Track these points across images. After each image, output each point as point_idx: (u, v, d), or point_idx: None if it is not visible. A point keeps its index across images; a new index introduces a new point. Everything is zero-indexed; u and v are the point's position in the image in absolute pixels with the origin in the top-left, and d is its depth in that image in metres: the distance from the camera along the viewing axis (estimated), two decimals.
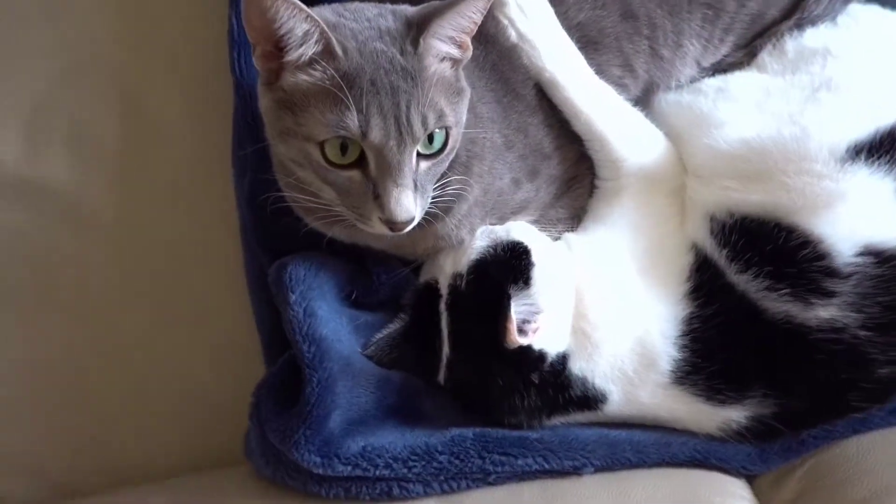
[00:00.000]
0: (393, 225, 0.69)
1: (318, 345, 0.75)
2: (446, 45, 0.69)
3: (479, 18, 0.69)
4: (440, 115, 0.68)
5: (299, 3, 0.64)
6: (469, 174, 0.77)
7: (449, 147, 0.71)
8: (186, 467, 0.95)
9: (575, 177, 0.86)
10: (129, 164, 0.99)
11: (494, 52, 0.80)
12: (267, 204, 0.82)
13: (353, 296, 0.84)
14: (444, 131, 0.70)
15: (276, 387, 0.79)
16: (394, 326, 0.81)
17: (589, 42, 0.82)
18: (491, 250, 0.79)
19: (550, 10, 0.79)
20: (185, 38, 0.99)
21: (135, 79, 0.99)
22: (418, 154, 0.69)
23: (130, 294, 0.98)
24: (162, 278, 0.99)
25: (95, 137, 0.99)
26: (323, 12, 0.69)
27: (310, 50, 0.66)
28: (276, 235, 0.88)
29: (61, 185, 0.98)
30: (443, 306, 0.79)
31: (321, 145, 0.67)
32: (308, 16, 0.64)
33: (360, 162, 0.68)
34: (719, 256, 0.77)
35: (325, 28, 0.65)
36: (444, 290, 0.80)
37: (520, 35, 0.79)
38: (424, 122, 0.67)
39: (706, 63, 0.88)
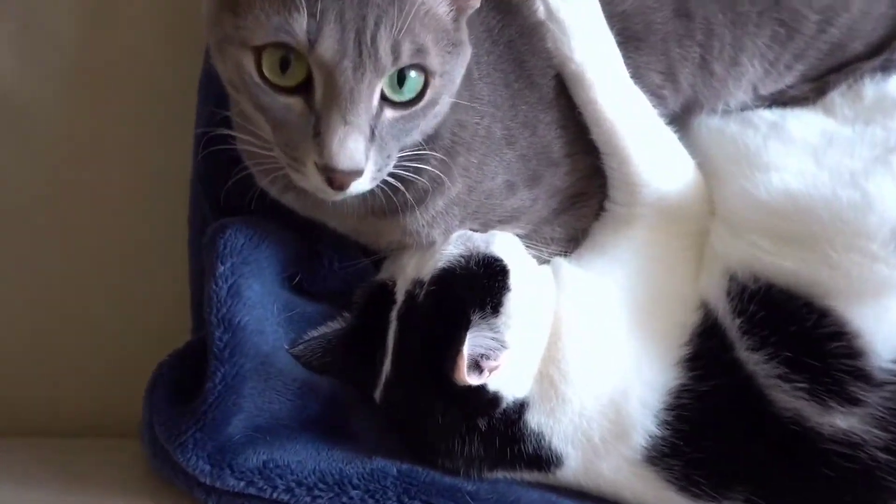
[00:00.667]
0: (332, 174, 0.54)
1: (233, 332, 0.62)
2: None
3: None
4: (419, 50, 0.54)
5: None
6: (453, 164, 0.64)
7: (426, 99, 0.56)
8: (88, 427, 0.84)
9: (582, 193, 0.72)
10: (80, 65, 0.86)
11: (514, 26, 0.66)
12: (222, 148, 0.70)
13: (297, 279, 0.71)
14: (422, 75, 0.55)
15: (177, 370, 0.67)
16: (333, 326, 0.69)
17: (631, 37, 0.68)
18: (462, 261, 0.66)
19: None
20: None
21: None
22: (384, 97, 0.54)
23: (64, 221, 0.87)
24: (106, 208, 0.87)
25: (45, 32, 0.86)
26: None
27: None
28: (225, 189, 0.75)
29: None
30: (394, 314, 0.67)
31: (258, 54, 0.53)
32: None
33: (305, 88, 0.54)
34: (731, 325, 0.64)
35: None
36: (399, 296, 0.67)
37: (550, 11, 0.65)
38: (396, 50, 0.53)
39: (764, 90, 0.74)
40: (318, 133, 0.53)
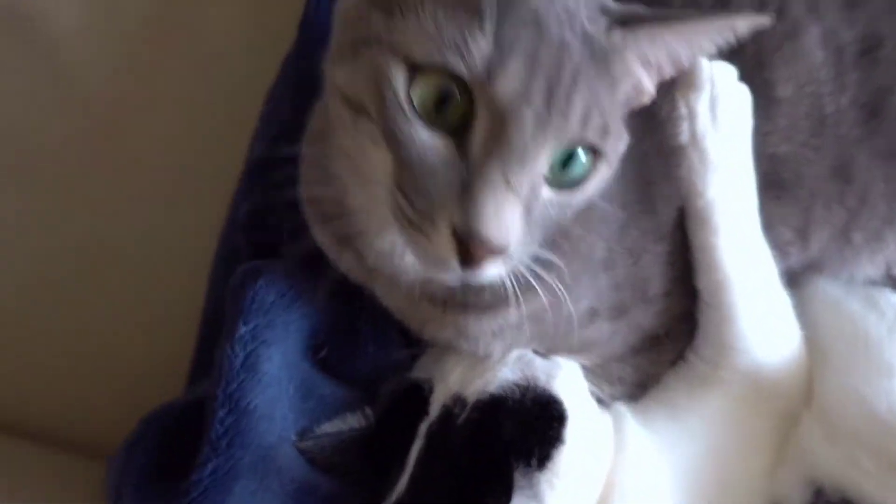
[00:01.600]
0: (472, 244, 0.42)
1: (238, 416, 0.53)
2: (640, 64, 0.46)
3: (697, 54, 0.47)
4: (604, 129, 0.44)
5: None
6: (540, 277, 0.54)
7: (589, 187, 0.47)
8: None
9: (665, 336, 0.63)
10: (150, 47, 0.78)
11: (651, 142, 0.56)
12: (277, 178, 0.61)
13: (323, 352, 0.62)
14: (591, 159, 0.45)
15: (163, 432, 0.58)
16: (351, 421, 0.59)
17: (774, 184, 0.58)
18: (517, 392, 0.56)
19: (749, 124, 0.56)
20: None
21: None
22: (545, 177, 0.45)
23: (87, 185, 0.78)
24: (135, 188, 0.78)
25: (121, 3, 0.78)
26: None
27: None
28: (268, 224, 0.66)
29: (58, 37, 0.77)
30: (424, 428, 0.57)
31: (412, 71, 0.42)
32: None
33: (459, 131, 0.43)
34: None
35: None
36: (434, 408, 0.58)
37: (694, 137, 0.55)
38: (587, 118, 0.43)
39: None
40: (467, 187, 0.42)
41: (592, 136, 0.44)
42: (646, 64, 0.47)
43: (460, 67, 0.41)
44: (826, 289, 0.64)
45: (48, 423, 0.75)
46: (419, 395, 0.60)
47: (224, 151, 0.74)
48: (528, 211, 0.45)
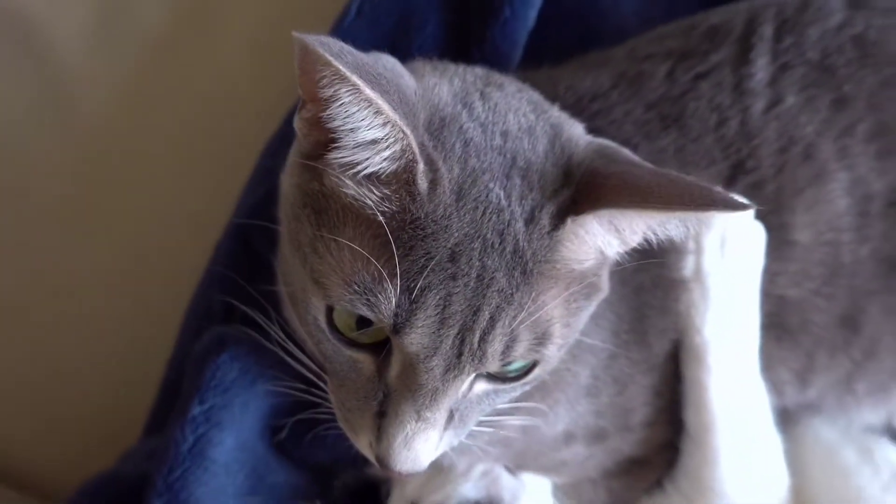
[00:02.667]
0: (386, 469, 0.44)
1: None
2: (609, 233, 0.42)
3: (671, 234, 0.42)
4: (540, 342, 0.42)
5: (383, 87, 0.38)
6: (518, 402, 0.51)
7: (529, 378, 0.45)
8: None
9: (644, 462, 0.59)
10: (151, 75, 0.75)
11: (651, 271, 0.53)
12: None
13: (281, 436, 0.59)
14: (531, 361, 0.44)
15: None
16: None
17: (778, 326, 0.55)
18: None
19: (761, 265, 0.52)
20: None
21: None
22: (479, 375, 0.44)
23: (69, 207, 0.75)
24: (117, 217, 0.75)
25: (131, 21, 0.75)
26: (440, 87, 0.44)
27: (375, 163, 0.40)
28: (239, 288, 0.63)
29: (59, 47, 0.74)
30: None
31: (329, 310, 0.42)
32: (389, 120, 0.38)
33: (380, 347, 0.42)
34: None
35: (419, 146, 0.39)
36: None
37: (698, 273, 0.52)
38: (508, 349, 0.42)
39: None
40: (382, 413, 0.43)
41: (524, 353, 0.42)
42: (614, 231, 0.42)
43: (368, 314, 0.40)
44: (821, 433, 0.61)
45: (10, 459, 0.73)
46: (375, 496, 0.57)
47: (214, 182, 0.72)
48: (455, 417, 0.45)
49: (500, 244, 0.40)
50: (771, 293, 0.54)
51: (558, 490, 0.59)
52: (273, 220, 0.55)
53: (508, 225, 0.41)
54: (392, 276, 0.39)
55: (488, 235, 0.40)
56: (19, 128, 0.76)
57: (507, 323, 0.40)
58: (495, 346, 0.41)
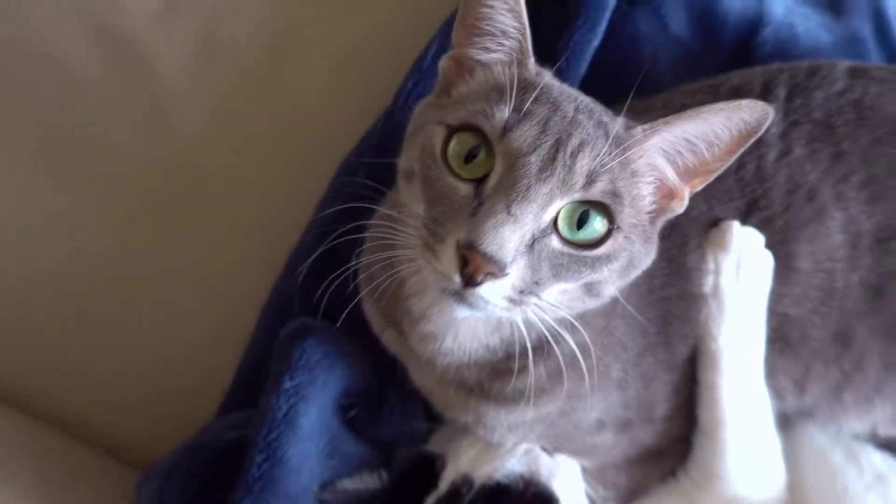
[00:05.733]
0: (472, 255, 0.48)
1: (273, 464, 0.60)
2: (662, 156, 0.53)
3: (720, 145, 0.52)
4: (614, 194, 0.51)
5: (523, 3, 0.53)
6: (560, 383, 0.60)
7: (600, 251, 0.52)
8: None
9: (661, 453, 0.69)
10: (240, 98, 0.85)
11: (676, 285, 0.63)
12: (337, 247, 0.68)
13: (352, 413, 0.69)
14: (605, 227, 0.51)
15: (205, 461, 0.64)
16: (368, 482, 0.66)
17: (781, 339, 0.65)
18: (520, 484, 0.62)
19: (767, 287, 0.62)
20: (401, 21, 0.84)
21: (306, 18, 0.86)
22: (557, 227, 0.51)
23: (164, 208, 0.85)
24: (204, 222, 0.85)
25: (224, 53, 0.86)
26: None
27: (500, 52, 0.55)
28: (317, 288, 0.73)
29: (162, 74, 0.85)
30: (431, 500, 0.64)
31: (448, 134, 0.53)
32: (519, 11, 0.53)
33: (479, 182, 0.51)
34: None
35: (527, 36, 0.55)
36: (443, 484, 0.64)
37: (716, 290, 0.62)
38: (591, 178, 0.50)
39: (882, 432, 0.69)
40: (474, 212, 0.50)
41: (601, 197, 0.50)
42: (666, 155, 0.53)
43: (484, 125, 0.51)
44: (814, 437, 0.70)
45: (98, 426, 0.82)
46: (431, 468, 0.66)
47: (290, 202, 0.82)
48: (531, 245, 0.50)
49: (587, 113, 0.53)
50: (776, 311, 0.64)
51: (586, 473, 0.68)
52: (353, 231, 0.66)
53: (592, 109, 0.54)
54: (505, 101, 0.51)
55: (580, 105, 0.53)
56: (124, 139, 0.86)
57: (591, 155, 0.50)
58: (581, 165, 0.50)
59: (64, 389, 0.83)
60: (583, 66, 0.71)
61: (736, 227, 0.61)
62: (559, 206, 0.50)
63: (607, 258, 0.52)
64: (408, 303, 0.61)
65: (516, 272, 0.49)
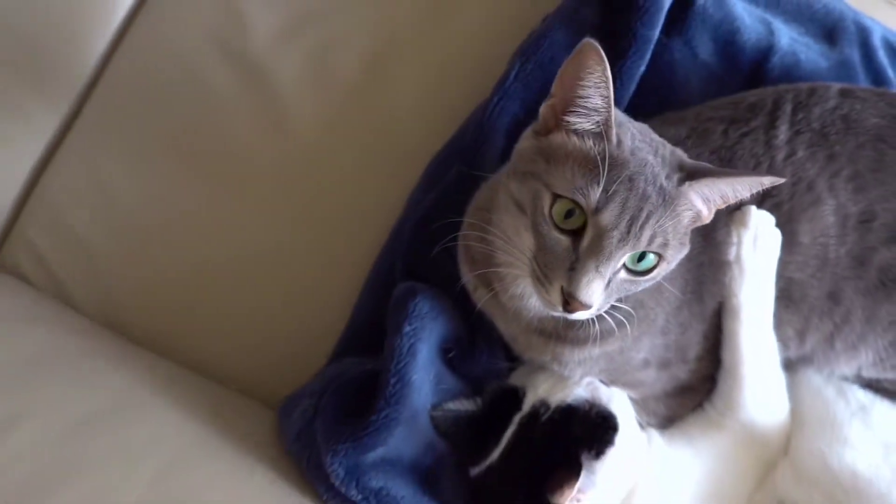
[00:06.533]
0: (570, 301, 0.69)
1: (403, 385, 0.79)
2: (700, 200, 0.72)
3: (738, 196, 0.71)
4: (664, 244, 0.70)
5: (610, 81, 0.68)
6: (620, 327, 0.78)
7: (650, 276, 0.72)
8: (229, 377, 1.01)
9: (692, 388, 0.88)
10: (347, 106, 1.04)
11: (709, 254, 0.82)
12: (433, 228, 0.88)
13: (451, 355, 0.88)
14: (656, 259, 0.71)
15: (349, 385, 0.84)
16: (466, 405, 0.85)
17: (786, 297, 0.83)
18: (586, 406, 0.81)
19: (776, 258, 0.81)
20: (467, 40, 1.03)
21: (402, 40, 1.04)
22: (625, 264, 0.71)
23: (284, 198, 1.04)
24: (317, 208, 1.04)
25: (334, 69, 1.05)
26: (616, 111, 0.73)
27: (590, 123, 0.70)
28: (420, 258, 0.92)
29: (281, 87, 1.04)
30: (517, 418, 0.83)
31: (554, 199, 0.70)
32: (607, 95, 0.68)
33: (575, 234, 0.70)
34: None
35: (612, 113, 0.69)
36: (525, 406, 0.83)
37: (738, 258, 0.81)
38: (652, 239, 0.69)
39: (866, 375, 0.88)
40: (573, 268, 0.69)
41: (655, 248, 0.70)
42: (704, 199, 0.73)
43: (582, 202, 0.69)
44: (811, 378, 0.89)
45: (232, 370, 1.01)
46: (514, 395, 0.85)
47: (387, 191, 1.01)
48: (608, 285, 0.71)
49: (652, 181, 0.69)
50: (782, 275, 0.83)
51: (634, 404, 0.87)
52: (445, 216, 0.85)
53: (657, 175, 0.70)
54: (598, 182, 0.68)
55: (647, 175, 0.69)
56: (251, 141, 1.04)
57: (652, 223, 0.68)
58: (646, 233, 0.68)
59: (206, 340, 1.02)
60: (631, 88, 0.90)
61: (754, 210, 0.80)
62: (627, 257, 0.71)
63: (653, 277, 0.73)
64: (500, 272, 0.80)
65: (600, 302, 0.71)
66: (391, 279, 0.95)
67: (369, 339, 0.93)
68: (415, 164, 1.01)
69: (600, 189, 0.68)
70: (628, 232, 0.68)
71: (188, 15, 1.07)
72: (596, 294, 0.69)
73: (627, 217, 0.68)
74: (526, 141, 0.75)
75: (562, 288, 0.70)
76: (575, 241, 0.70)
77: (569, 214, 0.70)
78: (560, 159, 0.70)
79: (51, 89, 1.07)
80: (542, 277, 0.71)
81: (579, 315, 0.71)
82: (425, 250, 0.91)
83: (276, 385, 0.98)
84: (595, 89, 0.68)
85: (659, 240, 0.70)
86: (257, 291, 1.02)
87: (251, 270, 1.03)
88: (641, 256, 0.71)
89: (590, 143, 0.70)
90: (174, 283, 1.03)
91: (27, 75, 1.07)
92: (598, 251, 0.68)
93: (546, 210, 0.70)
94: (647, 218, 0.68)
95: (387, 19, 1.05)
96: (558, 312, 0.71)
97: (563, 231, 0.70)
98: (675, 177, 0.71)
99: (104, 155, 1.06)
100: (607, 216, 0.68)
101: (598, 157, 0.68)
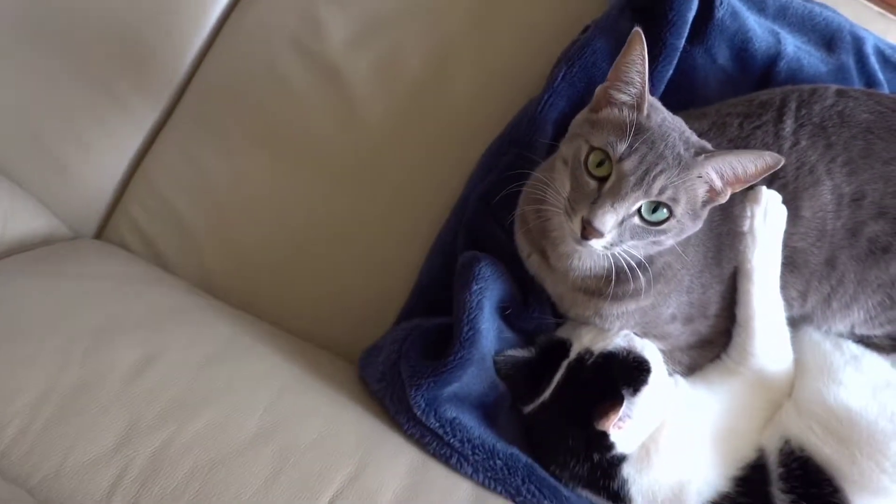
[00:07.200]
0: (587, 226, 0.85)
1: (474, 332, 0.95)
2: (714, 173, 0.88)
3: (748, 172, 0.87)
4: (673, 200, 0.86)
5: (646, 61, 0.86)
6: (653, 285, 0.95)
7: (662, 227, 0.87)
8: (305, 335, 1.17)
9: (711, 342, 1.03)
10: (411, 100, 1.20)
11: (727, 226, 0.98)
12: (492, 204, 1.04)
13: (507, 312, 1.04)
14: (668, 213, 0.86)
15: (425, 335, 0.99)
16: (522, 353, 1.01)
17: (790, 263, 0.99)
18: (624, 352, 0.97)
19: (783, 229, 0.97)
20: (515, 44, 1.19)
21: (458, 44, 1.20)
22: (639, 212, 0.86)
23: (357, 180, 1.20)
24: (385, 188, 1.19)
25: (400, 68, 1.21)
26: (654, 99, 0.91)
27: (628, 96, 0.88)
28: (481, 231, 1.08)
29: (354, 84, 1.20)
30: (565, 364, 0.98)
31: (590, 150, 0.87)
32: (643, 72, 0.86)
33: (601, 180, 0.86)
34: (774, 470, 0.95)
35: (646, 89, 0.87)
36: (572, 354, 0.99)
37: (751, 229, 0.97)
38: (662, 190, 0.85)
39: (858, 332, 1.03)
40: (594, 202, 0.86)
41: (665, 199, 0.86)
42: (717, 172, 0.89)
43: (610, 152, 0.86)
44: (811, 333, 1.04)
45: (312, 328, 1.17)
46: (562, 345, 1.01)
47: (449, 176, 1.17)
48: (621, 223, 0.86)
49: (669, 147, 0.86)
50: (787, 244, 0.98)
51: (662, 354, 1.03)
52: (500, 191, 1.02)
53: (675, 144, 0.86)
54: (625, 140, 0.85)
55: (668, 143, 0.86)
56: (326, 131, 1.20)
57: (664, 177, 0.84)
58: (657, 184, 0.85)
59: (288, 304, 1.18)
60: (661, 89, 1.06)
61: (764, 189, 0.96)
62: (640, 203, 0.87)
63: (664, 230, 0.88)
64: (551, 235, 0.96)
65: (608, 235, 0.87)
66: (453, 248, 1.11)
67: (433, 298, 1.10)
68: (471, 150, 1.16)
69: (626, 144, 0.85)
70: (642, 180, 0.85)
71: (272, 19, 1.23)
72: (608, 224, 0.84)
73: (644, 168, 0.85)
74: (580, 115, 0.93)
75: (582, 217, 0.86)
76: (600, 185, 0.87)
77: (600, 164, 0.87)
78: (602, 124, 0.89)
79: (150, 85, 1.24)
80: (570, 211, 0.88)
81: (594, 243, 0.86)
82: (485, 223, 1.08)
83: (349, 341, 1.14)
84: (634, 67, 0.86)
85: (669, 193, 0.86)
86: (334, 261, 1.18)
87: (328, 243, 1.19)
88: (655, 210, 0.87)
89: (626, 112, 0.88)
90: (259, 255, 1.19)
91: (130, 72, 1.23)
92: (615, 191, 0.85)
93: (583, 157, 0.88)
94: (661, 172, 0.85)
95: (445, 26, 1.21)
96: (576, 237, 0.87)
97: (593, 176, 0.87)
98: (693, 149, 0.88)
99: (198, 143, 1.22)
100: (628, 164, 0.85)
101: (629, 122, 0.86)
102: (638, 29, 0.86)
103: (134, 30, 1.21)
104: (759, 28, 1.12)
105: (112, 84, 1.22)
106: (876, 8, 1.25)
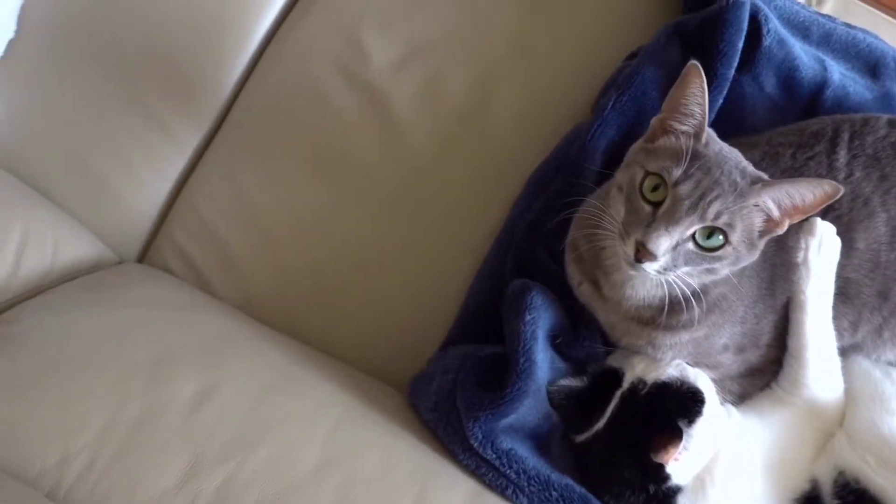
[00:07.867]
0: (641, 249, 0.85)
1: (530, 363, 0.95)
2: (771, 202, 0.88)
3: (807, 201, 0.87)
4: (729, 226, 0.86)
5: (706, 93, 0.87)
6: (707, 316, 0.95)
7: (717, 254, 0.87)
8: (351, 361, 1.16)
9: (761, 371, 1.03)
10: (455, 124, 1.20)
11: (781, 256, 0.99)
12: (541, 231, 1.04)
13: (558, 341, 1.04)
14: (723, 240, 0.86)
15: (478, 364, 0.99)
16: (575, 382, 1.01)
17: (843, 293, 1.00)
18: (678, 382, 0.97)
19: (836, 260, 0.97)
20: (558, 68, 1.20)
21: (501, 69, 1.20)
22: (694, 237, 0.86)
23: (401, 204, 1.20)
24: (429, 212, 1.20)
25: (443, 92, 1.21)
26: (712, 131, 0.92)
27: (687, 126, 0.89)
28: (530, 258, 1.08)
29: (397, 108, 1.21)
30: (618, 394, 0.99)
31: (645, 175, 0.88)
32: (703, 104, 0.87)
33: (657, 205, 0.87)
34: (829, 502, 0.95)
35: (706, 119, 0.88)
36: (625, 384, 0.99)
37: (805, 261, 0.97)
38: (717, 216, 0.86)
39: None
40: (648, 226, 0.86)
41: (720, 224, 0.86)
42: (774, 200, 0.89)
43: (666, 176, 0.87)
44: (861, 362, 1.05)
45: (356, 353, 1.17)
46: (615, 375, 1.01)
47: (494, 201, 1.17)
48: (675, 246, 0.86)
49: (726, 174, 0.86)
50: (840, 275, 0.98)
51: (713, 383, 1.03)
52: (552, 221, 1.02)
53: (731, 172, 0.87)
54: (681, 165, 0.86)
55: (724, 171, 0.86)
56: (369, 154, 1.20)
57: (721, 202, 0.85)
58: (712, 209, 0.85)
59: (331, 329, 1.18)
60: (711, 118, 1.06)
61: (819, 221, 0.96)
62: (695, 227, 0.87)
63: (719, 257, 0.89)
64: (605, 263, 0.96)
65: (662, 259, 0.87)
66: (501, 273, 1.11)
67: (480, 324, 1.10)
68: (515, 174, 1.17)
69: (682, 169, 0.86)
70: (697, 204, 0.85)
71: (315, 43, 1.23)
72: (662, 247, 0.84)
73: (699, 193, 0.86)
74: (637, 145, 0.94)
75: (636, 240, 0.86)
76: (655, 210, 0.87)
77: (655, 189, 0.88)
78: (658, 152, 0.90)
79: (193, 108, 1.24)
80: (623, 235, 0.88)
81: (647, 266, 0.86)
82: (534, 250, 1.08)
83: (393, 365, 1.14)
84: (694, 99, 0.87)
85: (724, 218, 0.86)
86: (377, 285, 1.18)
87: (371, 267, 1.18)
88: (710, 235, 0.87)
89: (682, 139, 0.89)
90: (303, 279, 1.19)
91: (173, 95, 1.23)
92: (670, 215, 0.86)
93: (638, 182, 0.89)
94: (716, 198, 0.86)
95: (489, 50, 1.21)
96: (630, 260, 0.87)
97: (648, 201, 0.87)
98: (749, 178, 0.88)
99: (240, 166, 1.22)
100: (683, 188, 0.86)
101: (685, 149, 0.87)
102: (695, 62, 0.86)
103: (178, 53, 1.22)
104: (805, 56, 1.12)
105: (156, 107, 1.22)
106: None
